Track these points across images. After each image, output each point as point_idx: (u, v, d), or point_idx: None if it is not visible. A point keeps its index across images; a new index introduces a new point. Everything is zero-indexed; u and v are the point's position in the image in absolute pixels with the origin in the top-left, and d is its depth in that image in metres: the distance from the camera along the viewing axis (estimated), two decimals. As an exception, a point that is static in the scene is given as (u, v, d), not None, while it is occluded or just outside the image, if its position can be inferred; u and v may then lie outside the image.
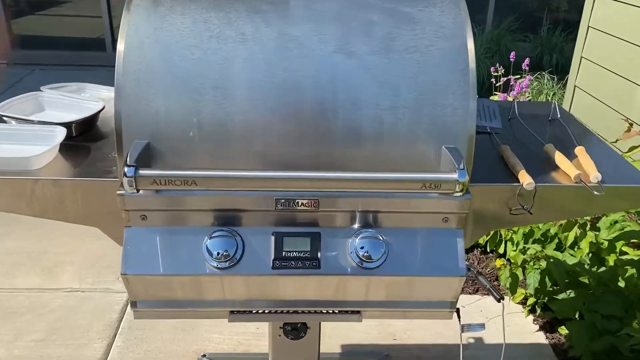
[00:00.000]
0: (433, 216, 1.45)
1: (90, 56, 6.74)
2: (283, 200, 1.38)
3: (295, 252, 1.42)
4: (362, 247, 1.40)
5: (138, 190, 1.26)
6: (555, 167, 1.57)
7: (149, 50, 1.36)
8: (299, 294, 1.47)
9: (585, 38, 4.52)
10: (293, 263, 1.41)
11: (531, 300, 2.90)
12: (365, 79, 1.38)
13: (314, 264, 1.41)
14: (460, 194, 1.29)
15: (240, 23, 1.39)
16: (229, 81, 1.35)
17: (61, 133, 1.54)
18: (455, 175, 1.29)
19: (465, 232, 1.47)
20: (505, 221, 1.53)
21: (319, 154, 1.38)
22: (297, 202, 1.39)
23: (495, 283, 3.10)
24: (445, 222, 1.45)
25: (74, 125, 1.61)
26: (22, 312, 2.87)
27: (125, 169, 1.25)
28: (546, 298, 2.79)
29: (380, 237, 1.41)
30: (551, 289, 2.72)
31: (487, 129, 1.81)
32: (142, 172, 1.25)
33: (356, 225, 1.45)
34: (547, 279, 2.65)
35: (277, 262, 1.41)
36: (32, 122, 1.62)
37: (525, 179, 1.44)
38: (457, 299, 1.52)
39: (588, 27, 4.48)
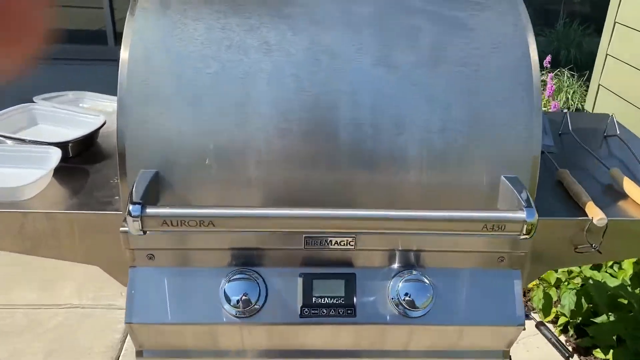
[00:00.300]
0: (487, 255, 1.25)
1: (91, 50, 6.51)
2: (314, 239, 1.18)
3: (327, 297, 1.22)
4: (405, 293, 1.20)
5: (145, 232, 1.06)
6: (624, 196, 1.36)
7: (158, 63, 1.15)
8: (330, 344, 1.27)
9: (612, 34, 4.29)
10: (325, 311, 1.21)
11: (563, 320, 2.70)
12: (411, 96, 1.17)
13: (348, 311, 1.21)
14: (527, 236, 1.09)
15: (263, 30, 1.18)
16: (251, 100, 1.14)
17: (56, 155, 1.34)
18: (522, 215, 1.08)
19: (522, 272, 1.27)
20: (567, 259, 1.33)
21: (357, 185, 1.17)
22: (331, 241, 1.19)
23: (527, 303, 2.90)
24: (501, 262, 1.25)
25: (70, 145, 1.41)
26: (19, 331, 2.68)
27: (131, 207, 1.04)
28: (581, 319, 2.59)
29: (426, 280, 1.21)
30: (588, 311, 2.52)
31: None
32: (150, 210, 1.05)
33: (396, 265, 1.25)
34: (583, 300, 2.45)
35: (306, 309, 1.21)
36: (23, 141, 1.41)
37: (596, 214, 1.23)
38: (511, 347, 1.32)
39: (614, 22, 4.25)
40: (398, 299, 1.20)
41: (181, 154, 1.14)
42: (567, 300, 2.45)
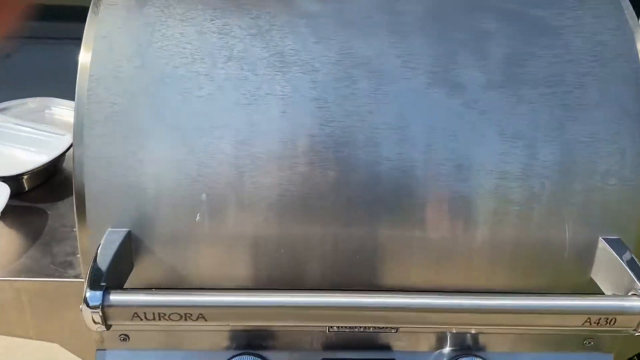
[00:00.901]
0: (570, 337, 0.94)
1: (69, 28, 6.12)
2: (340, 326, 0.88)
3: (359, 393, 0.92)
4: (463, 389, 0.90)
5: (109, 327, 0.75)
6: None
7: (131, 81, 0.83)
8: None
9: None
10: (356, 412, 0.91)
11: None
12: (479, 129, 0.85)
13: (387, 413, 0.91)
14: (645, 333, 0.78)
15: (275, 35, 0.86)
16: (259, 134, 0.83)
17: (3, 194, 1.02)
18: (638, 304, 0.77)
19: (614, 356, 0.96)
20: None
21: (401, 252, 0.86)
22: (363, 327, 0.89)
23: None
24: (589, 345, 0.94)
25: (25, 177, 1.09)
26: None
27: (88, 293, 0.73)
28: None
29: (489, 371, 0.91)
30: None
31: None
32: (116, 298, 0.74)
33: (447, 349, 0.95)
34: None
35: (332, 410, 0.91)
36: (-36, 172, 1.10)
37: None
38: None
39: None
40: (453, 396, 0.90)
41: (162, 208, 0.83)
42: None
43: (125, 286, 0.84)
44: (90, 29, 0.85)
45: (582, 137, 0.85)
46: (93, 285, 0.75)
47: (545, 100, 0.85)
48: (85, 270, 0.86)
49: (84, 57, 0.84)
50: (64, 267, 0.93)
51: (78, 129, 0.82)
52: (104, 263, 0.79)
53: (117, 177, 0.82)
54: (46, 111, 1.34)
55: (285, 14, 0.87)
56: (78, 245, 0.86)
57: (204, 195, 0.83)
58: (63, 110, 1.34)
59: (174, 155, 0.82)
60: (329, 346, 0.93)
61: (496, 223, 0.85)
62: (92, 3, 0.88)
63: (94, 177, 0.82)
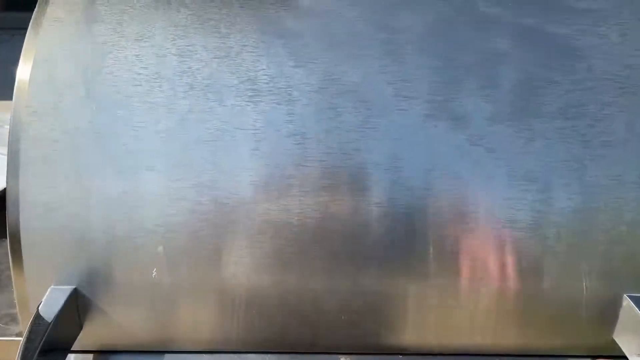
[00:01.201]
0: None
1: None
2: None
3: None
4: None
5: (44, 413, 0.63)
6: None
7: (75, 116, 0.71)
8: None
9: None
10: None
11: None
12: (486, 168, 0.72)
13: None
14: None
15: (246, 57, 0.73)
16: (225, 177, 0.70)
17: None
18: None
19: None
20: None
21: (390, 310, 0.74)
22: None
23: None
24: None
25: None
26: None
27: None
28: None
29: None
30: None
31: None
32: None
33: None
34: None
35: None
36: None
37: None
38: None
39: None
40: None
41: (114, 262, 0.71)
42: None
43: (73, 348, 0.73)
44: (29, 51, 0.72)
45: (606, 179, 0.72)
46: (26, 356, 0.63)
47: (563, 135, 0.73)
48: (25, 328, 0.74)
49: (21, 84, 0.71)
50: (5, 321, 0.82)
51: (12, 170, 0.70)
52: (43, 326, 0.67)
53: (60, 226, 0.70)
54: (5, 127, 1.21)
55: (258, 33, 0.74)
56: (16, 302, 0.74)
57: (160, 248, 0.70)
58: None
59: (126, 201, 0.70)
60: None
61: (504, 278, 0.73)
62: (32, 17, 0.75)
63: (31, 226, 0.70)
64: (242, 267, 0.71)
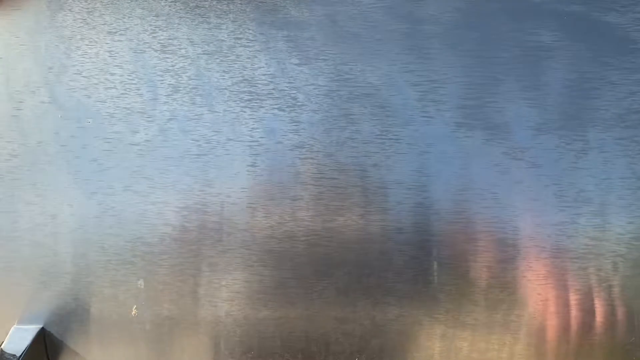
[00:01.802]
0: None
1: None
2: None
3: None
4: None
5: None
6: None
7: (36, 125, 0.59)
8: None
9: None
10: None
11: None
12: (529, 188, 0.60)
13: None
14: None
15: (241, 53, 0.61)
16: (216, 198, 0.59)
17: None
18: None
19: None
20: None
21: (414, 352, 0.63)
22: None
23: None
24: None
25: None
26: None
27: None
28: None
29: None
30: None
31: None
32: None
33: None
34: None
35: None
36: None
37: None
38: None
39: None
40: None
41: (86, 298, 0.60)
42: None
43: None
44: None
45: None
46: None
47: (622, 147, 0.60)
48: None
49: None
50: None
51: (-37, 191, 0.59)
52: (5, 374, 0.57)
53: (21, 257, 0.59)
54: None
55: (256, 23, 0.62)
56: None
57: (141, 282, 0.59)
58: None
59: (99, 226, 0.59)
60: None
61: (547, 317, 0.61)
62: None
63: (-13, 258, 0.59)
64: (238, 303, 0.60)
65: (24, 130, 0.59)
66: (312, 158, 0.59)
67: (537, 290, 0.60)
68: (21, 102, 0.59)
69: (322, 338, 0.62)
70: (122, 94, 0.59)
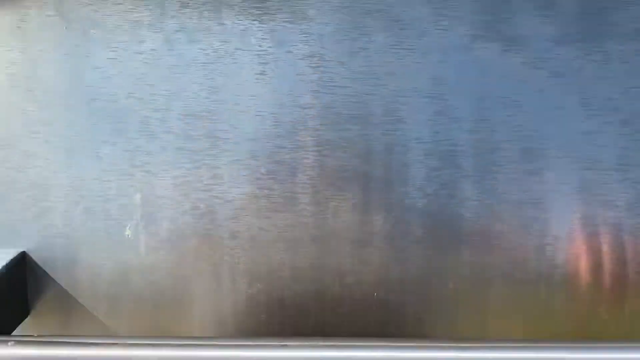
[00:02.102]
0: None
1: None
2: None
3: None
4: None
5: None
6: None
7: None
8: None
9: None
10: None
11: None
12: (552, 96, 0.57)
13: None
14: None
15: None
16: (224, 106, 0.55)
17: None
18: None
19: None
20: None
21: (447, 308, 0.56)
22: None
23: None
24: None
25: None
26: None
27: None
28: None
29: None
30: None
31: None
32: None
33: None
34: None
35: None
36: None
37: None
38: None
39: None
40: None
41: (71, 219, 0.54)
42: None
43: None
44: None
45: None
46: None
47: (645, 58, 0.58)
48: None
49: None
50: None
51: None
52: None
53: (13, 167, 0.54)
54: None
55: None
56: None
57: (138, 195, 0.54)
58: None
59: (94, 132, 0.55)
60: None
61: (583, 238, 0.55)
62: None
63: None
64: (244, 223, 0.54)
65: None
66: (323, 66, 0.57)
67: (572, 204, 0.55)
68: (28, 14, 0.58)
69: (336, 266, 0.55)
70: (131, 8, 0.58)
